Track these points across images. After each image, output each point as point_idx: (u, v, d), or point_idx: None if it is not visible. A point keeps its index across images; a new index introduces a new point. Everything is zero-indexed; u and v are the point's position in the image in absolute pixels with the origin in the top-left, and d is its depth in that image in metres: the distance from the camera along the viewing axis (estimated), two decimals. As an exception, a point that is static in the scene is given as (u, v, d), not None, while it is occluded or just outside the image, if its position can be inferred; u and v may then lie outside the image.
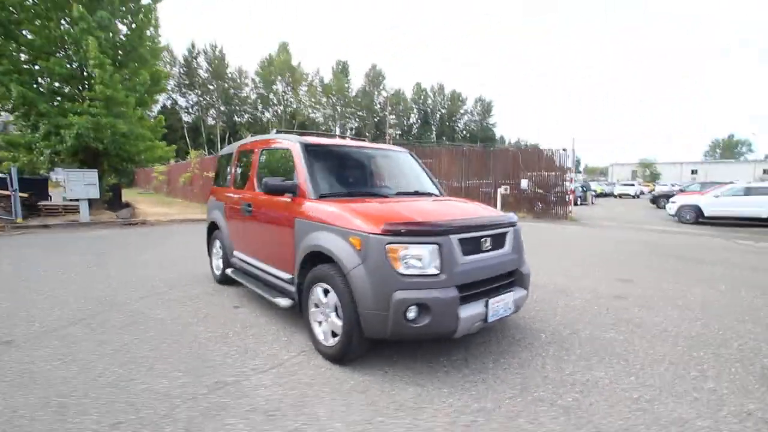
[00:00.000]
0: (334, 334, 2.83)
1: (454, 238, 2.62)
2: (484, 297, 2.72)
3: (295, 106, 55.01)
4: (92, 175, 10.97)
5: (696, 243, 9.03)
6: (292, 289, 3.32)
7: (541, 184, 16.44)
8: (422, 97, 69.22)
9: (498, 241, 2.98)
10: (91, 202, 11.51)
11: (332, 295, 2.77)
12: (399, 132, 66.06)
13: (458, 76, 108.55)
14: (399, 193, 3.65)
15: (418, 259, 2.51)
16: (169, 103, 49.21)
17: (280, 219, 3.42)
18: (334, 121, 61.27)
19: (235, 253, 4.45)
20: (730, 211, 14.40)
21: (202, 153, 23.98)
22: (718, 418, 2.20)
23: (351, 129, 64.41)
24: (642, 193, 39.08)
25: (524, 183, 16.26)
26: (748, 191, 14.99)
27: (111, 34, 11.75)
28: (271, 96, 52.82)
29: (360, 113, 62.88)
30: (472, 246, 2.75)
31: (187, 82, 49.66)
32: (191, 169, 20.48)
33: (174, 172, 24.52)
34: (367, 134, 60.21)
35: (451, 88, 72.22)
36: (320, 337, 2.94)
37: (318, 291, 2.92)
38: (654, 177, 60.52)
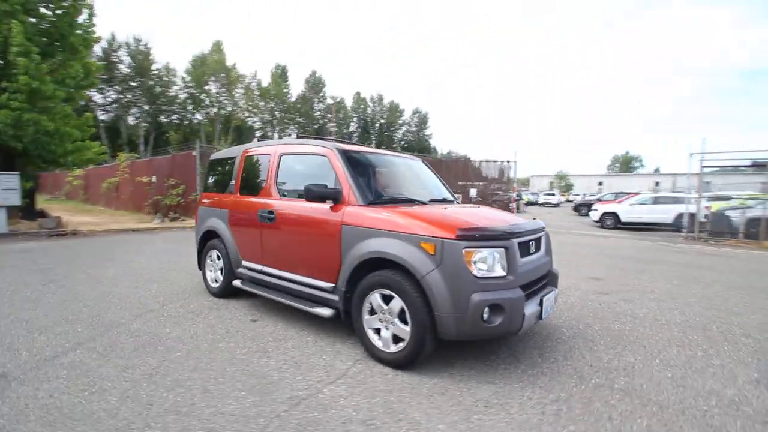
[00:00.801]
0: (396, 340, 2.84)
1: (515, 242, 2.82)
2: (538, 295, 2.95)
3: (230, 109, 52.26)
4: (12, 179, 9.44)
5: (629, 245, 10.38)
6: (334, 298, 3.26)
7: (484, 194, 17.62)
8: (362, 106, 70.06)
9: (537, 244, 3.24)
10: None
11: (396, 300, 2.79)
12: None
13: (397, 86, 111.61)
14: (432, 200, 3.78)
15: (489, 262, 2.66)
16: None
17: (321, 226, 3.34)
18: (272, 127, 59.34)
19: (244, 263, 4.19)
20: (642, 218, 16.69)
21: (133, 155, 21.59)
22: (739, 386, 2.65)
23: (290, 135, 62.90)
24: (561, 202, 43.66)
25: (473, 192, 17.29)
26: (656, 200, 17.60)
27: (37, 19, 10.28)
28: (204, 97, 49.56)
29: (299, 120, 61.71)
30: (524, 249, 2.96)
31: (105, 77, 44.62)
32: (119, 173, 18.47)
33: (93, 176, 21.84)
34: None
35: (390, 99, 74.11)
36: (378, 344, 2.93)
37: (376, 297, 2.92)
38: (568, 187, 67.79)
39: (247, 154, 4.42)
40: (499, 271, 2.68)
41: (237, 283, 4.25)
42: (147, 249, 8.14)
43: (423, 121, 76.36)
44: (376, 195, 3.39)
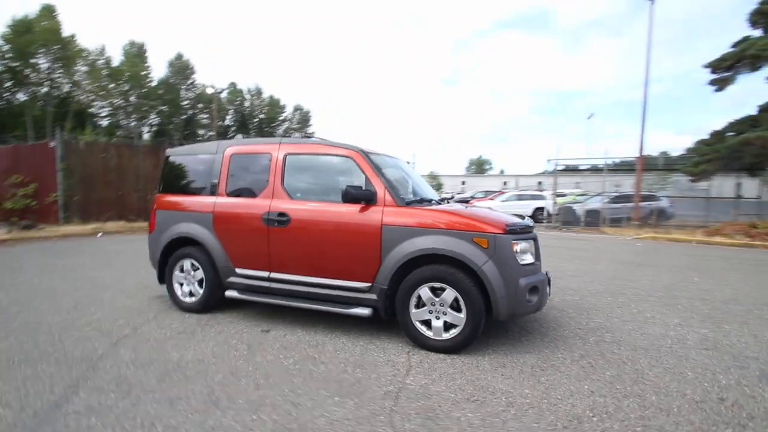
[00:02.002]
0: (448, 328, 3.13)
1: (536, 233, 3.40)
2: (547, 278, 3.61)
3: (68, 89, 42.43)
4: None
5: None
6: (371, 296, 3.36)
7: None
8: (238, 98, 65.07)
9: (533, 236, 3.92)
10: None
11: (449, 291, 3.08)
12: (213, 133, 60.03)
13: (276, 81, 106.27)
14: (441, 200, 4.13)
15: (526, 252, 3.17)
16: None
17: (356, 227, 3.37)
18: (126, 114, 50.42)
19: (239, 271, 3.86)
20: (510, 212, 20.03)
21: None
22: (674, 329, 3.75)
23: (151, 126, 54.54)
24: (438, 198, 48.65)
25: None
26: (520, 197, 21.38)
27: None
28: (29, 72, 38.98)
29: (163, 108, 53.89)
30: (534, 240, 3.58)
31: None
32: None
33: None
34: (173, 134, 52.25)
35: (269, 93, 70.62)
36: (429, 334, 3.17)
37: (425, 291, 3.15)
38: (438, 187, 75.72)
39: (234, 153, 4.03)
40: (531, 259, 3.22)
41: (232, 294, 3.88)
42: (26, 268, 6.42)
43: (306, 119, 75.04)
44: (407, 196, 3.58)
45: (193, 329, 3.63)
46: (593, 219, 15.99)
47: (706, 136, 14.09)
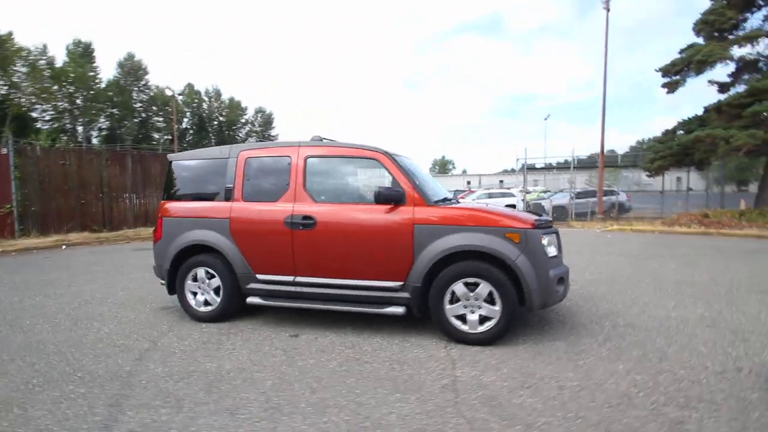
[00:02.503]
0: (483, 321, 3.24)
1: (555, 228, 3.60)
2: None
3: (5, 91, 38.87)
4: None
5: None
6: (403, 295, 3.42)
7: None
8: (196, 100, 62.45)
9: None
10: None
11: (484, 286, 3.20)
12: (169, 137, 57.23)
13: (237, 82, 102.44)
14: (452, 198, 4.24)
15: (551, 245, 3.35)
16: None
17: (387, 228, 3.41)
18: (73, 118, 46.98)
19: (261, 277, 3.78)
20: (485, 209, 20.77)
21: None
22: (674, 308, 4.10)
23: (101, 130, 51.15)
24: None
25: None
26: (490, 195, 22.14)
27: None
28: (-45, 72, 35.30)
29: (113, 111, 50.70)
30: (550, 234, 3.79)
31: None
32: None
33: None
34: (125, 138, 49.27)
35: (229, 95, 68.30)
36: (464, 328, 3.27)
37: (460, 286, 3.25)
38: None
39: (249, 156, 3.94)
40: (555, 251, 3.41)
41: (255, 300, 3.79)
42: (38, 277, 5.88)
43: (268, 121, 73.31)
44: (432, 195, 3.66)
45: (218, 339, 3.52)
46: (560, 214, 16.90)
47: (654, 135, 15.34)
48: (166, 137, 55.08)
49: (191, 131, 61.69)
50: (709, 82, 14.88)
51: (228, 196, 3.93)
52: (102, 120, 50.72)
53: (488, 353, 3.11)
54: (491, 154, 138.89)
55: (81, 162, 12.29)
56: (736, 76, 14.38)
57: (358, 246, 3.51)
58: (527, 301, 3.18)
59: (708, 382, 2.58)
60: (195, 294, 4.02)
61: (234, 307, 3.95)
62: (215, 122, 66.56)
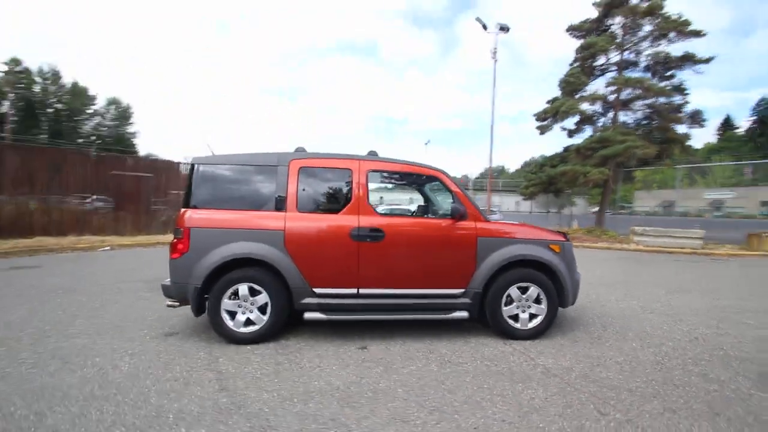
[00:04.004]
0: (531, 318, 3.86)
1: (566, 240, 4.50)
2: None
3: None
4: None
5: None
6: (465, 300, 3.82)
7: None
8: (24, 80, 49.50)
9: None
10: None
11: (533, 289, 3.83)
12: (-22, 122, 43.92)
13: (90, 69, 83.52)
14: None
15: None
16: None
17: (454, 240, 3.77)
18: None
19: (319, 291, 3.68)
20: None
21: None
22: (723, 308, 5.43)
23: None
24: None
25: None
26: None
27: None
28: None
29: None
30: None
31: None
32: None
33: None
34: None
35: (73, 79, 56.14)
36: (517, 326, 3.83)
37: (514, 290, 3.82)
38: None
39: (303, 166, 3.80)
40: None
41: (314, 315, 3.65)
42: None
43: (125, 115, 62.58)
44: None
45: (286, 360, 3.29)
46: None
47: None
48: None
49: (17, 118, 48.35)
50: (562, 128, 19.22)
51: (279, 206, 3.71)
52: None
53: (544, 344, 3.73)
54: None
55: None
56: (578, 126, 18.94)
57: (425, 257, 3.77)
58: (564, 300, 3.94)
59: (732, 347, 3.70)
60: (233, 314, 3.62)
61: (280, 326, 3.71)
62: (50, 109, 53.76)
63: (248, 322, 3.63)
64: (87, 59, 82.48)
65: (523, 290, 3.85)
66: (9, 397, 2.58)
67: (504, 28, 18.04)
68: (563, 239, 4.02)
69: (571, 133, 19.08)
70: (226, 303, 3.61)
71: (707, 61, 14.92)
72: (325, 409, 2.49)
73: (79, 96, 56.58)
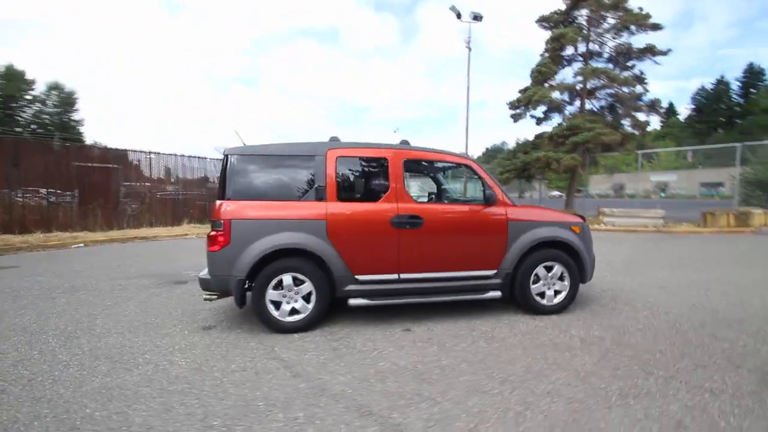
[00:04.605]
0: (556, 294, 4.17)
1: (577, 222, 4.84)
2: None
3: None
4: None
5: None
6: (497, 281, 4.06)
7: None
8: (-54, 61, 44.05)
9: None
10: None
11: (557, 267, 4.13)
12: None
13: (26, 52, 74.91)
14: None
15: (589, 235, 4.55)
16: None
17: (487, 224, 3.98)
18: None
19: (361, 278, 3.77)
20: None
21: None
22: (708, 279, 5.93)
23: None
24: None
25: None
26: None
27: None
28: None
29: None
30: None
31: None
32: None
33: None
34: None
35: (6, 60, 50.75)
36: (543, 302, 4.13)
37: (541, 269, 4.10)
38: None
39: (340, 156, 3.83)
40: (589, 239, 4.63)
41: (358, 302, 3.75)
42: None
43: (69, 101, 57.60)
44: (506, 197, 4.38)
45: (341, 345, 3.38)
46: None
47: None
48: None
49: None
50: (531, 116, 20.02)
51: (320, 196, 3.73)
52: None
53: (567, 319, 4.05)
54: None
55: None
56: (546, 114, 19.82)
57: (461, 241, 3.96)
58: (583, 277, 4.27)
59: (738, 312, 4.17)
60: (278, 304, 3.64)
61: (324, 313, 3.78)
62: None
63: (293, 311, 3.67)
64: (25, 42, 74.56)
65: (548, 269, 4.14)
66: (77, 399, 2.51)
67: (477, 17, 18.35)
68: (582, 221, 4.35)
69: (539, 121, 19.95)
70: (271, 293, 3.62)
71: (665, 53, 16.11)
72: (405, 386, 2.63)
73: (13, 80, 51.36)
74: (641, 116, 17.60)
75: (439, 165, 4.22)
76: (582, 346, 3.31)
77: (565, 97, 18.58)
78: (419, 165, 4.15)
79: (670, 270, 6.64)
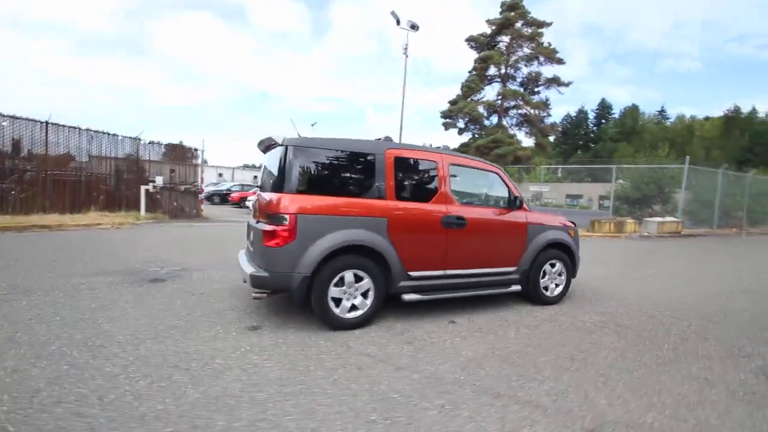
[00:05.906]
0: (556, 287, 4.93)
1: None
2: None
3: None
4: None
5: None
6: (515, 276, 4.64)
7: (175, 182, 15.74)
8: None
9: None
10: None
11: (558, 265, 4.89)
12: None
13: None
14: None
15: (571, 236, 5.42)
16: None
17: (513, 226, 4.51)
18: None
19: (413, 274, 3.97)
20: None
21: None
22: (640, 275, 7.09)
23: None
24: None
25: (159, 179, 14.91)
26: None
27: None
28: None
29: None
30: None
31: None
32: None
33: None
34: None
35: None
36: (548, 294, 4.84)
37: (547, 267, 4.81)
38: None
39: (398, 156, 3.96)
40: (570, 241, 5.52)
41: (412, 297, 3.93)
42: None
43: None
44: (520, 202, 4.97)
45: (413, 338, 3.53)
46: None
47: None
48: None
49: None
50: (454, 126, 21.87)
51: (381, 194, 3.81)
52: None
53: (567, 308, 4.81)
54: (231, 148, 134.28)
55: None
56: (466, 125, 21.89)
57: (494, 241, 4.43)
58: (574, 272, 5.12)
59: (720, 298, 5.33)
60: (338, 300, 3.62)
61: (379, 309, 3.86)
62: None
63: (353, 308, 3.69)
64: None
65: (552, 266, 4.87)
66: (189, 412, 2.25)
67: (414, 27, 19.32)
68: (574, 226, 5.20)
69: (461, 131, 21.91)
70: (333, 290, 3.58)
71: (567, 84, 19.29)
72: (501, 370, 2.95)
73: None
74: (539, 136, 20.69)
75: (474, 170, 4.61)
76: (598, 330, 4.03)
77: (484, 112, 20.75)
78: (459, 169, 4.48)
79: (603, 266, 8.10)
